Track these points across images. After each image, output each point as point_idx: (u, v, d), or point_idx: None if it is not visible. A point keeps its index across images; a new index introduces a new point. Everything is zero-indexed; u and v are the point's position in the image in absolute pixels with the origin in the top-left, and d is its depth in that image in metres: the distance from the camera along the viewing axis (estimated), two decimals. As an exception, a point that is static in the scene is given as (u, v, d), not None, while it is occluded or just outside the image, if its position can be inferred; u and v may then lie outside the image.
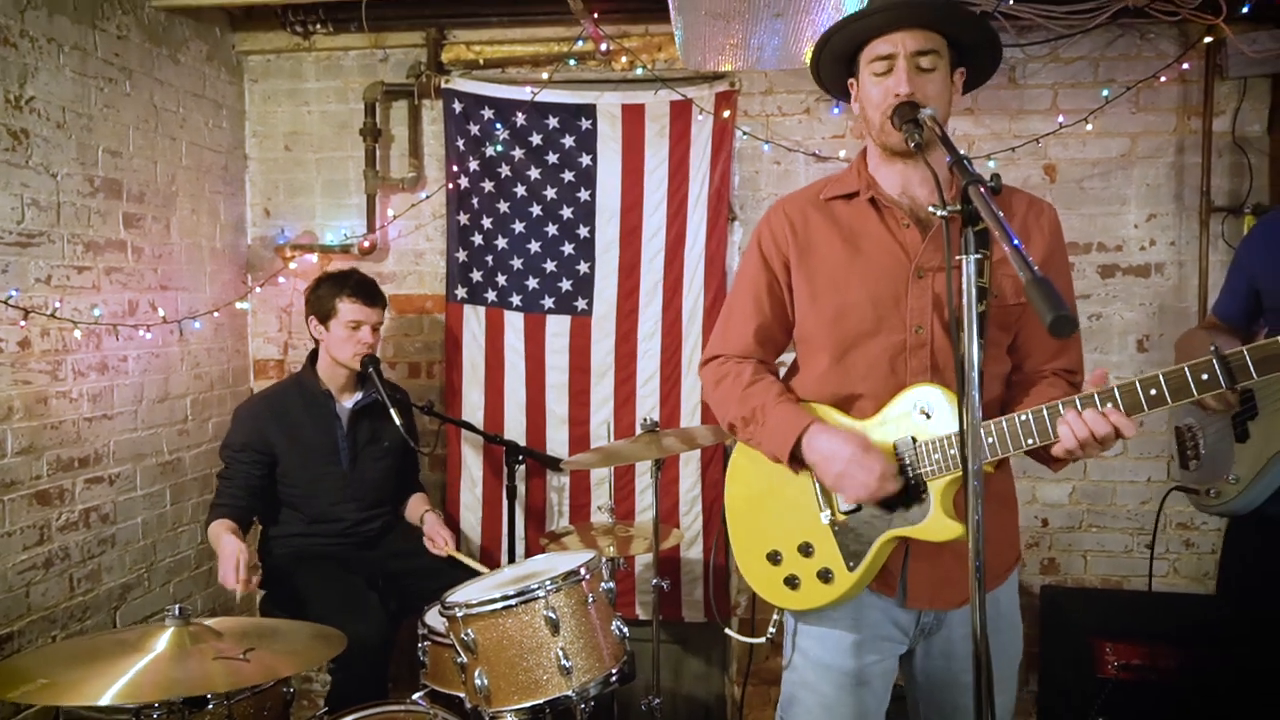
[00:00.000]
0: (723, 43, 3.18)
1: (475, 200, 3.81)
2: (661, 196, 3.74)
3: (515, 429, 3.82)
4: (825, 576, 1.86)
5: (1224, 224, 3.55)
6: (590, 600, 2.40)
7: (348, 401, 3.30)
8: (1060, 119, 3.56)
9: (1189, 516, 3.63)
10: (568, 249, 3.81)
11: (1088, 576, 3.72)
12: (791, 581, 1.91)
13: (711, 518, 3.78)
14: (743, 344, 2.02)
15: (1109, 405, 1.62)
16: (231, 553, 2.85)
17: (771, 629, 2.05)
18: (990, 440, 1.71)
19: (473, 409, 3.84)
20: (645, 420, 3.10)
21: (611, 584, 2.53)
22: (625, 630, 2.48)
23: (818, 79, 2.00)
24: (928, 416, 1.77)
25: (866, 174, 1.92)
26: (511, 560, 3.51)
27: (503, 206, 3.81)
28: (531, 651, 2.29)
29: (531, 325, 3.83)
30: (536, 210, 3.81)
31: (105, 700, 1.82)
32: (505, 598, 2.30)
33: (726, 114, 3.67)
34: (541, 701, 2.29)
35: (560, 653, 2.29)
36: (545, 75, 3.76)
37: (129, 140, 3.29)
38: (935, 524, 1.76)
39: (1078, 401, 1.64)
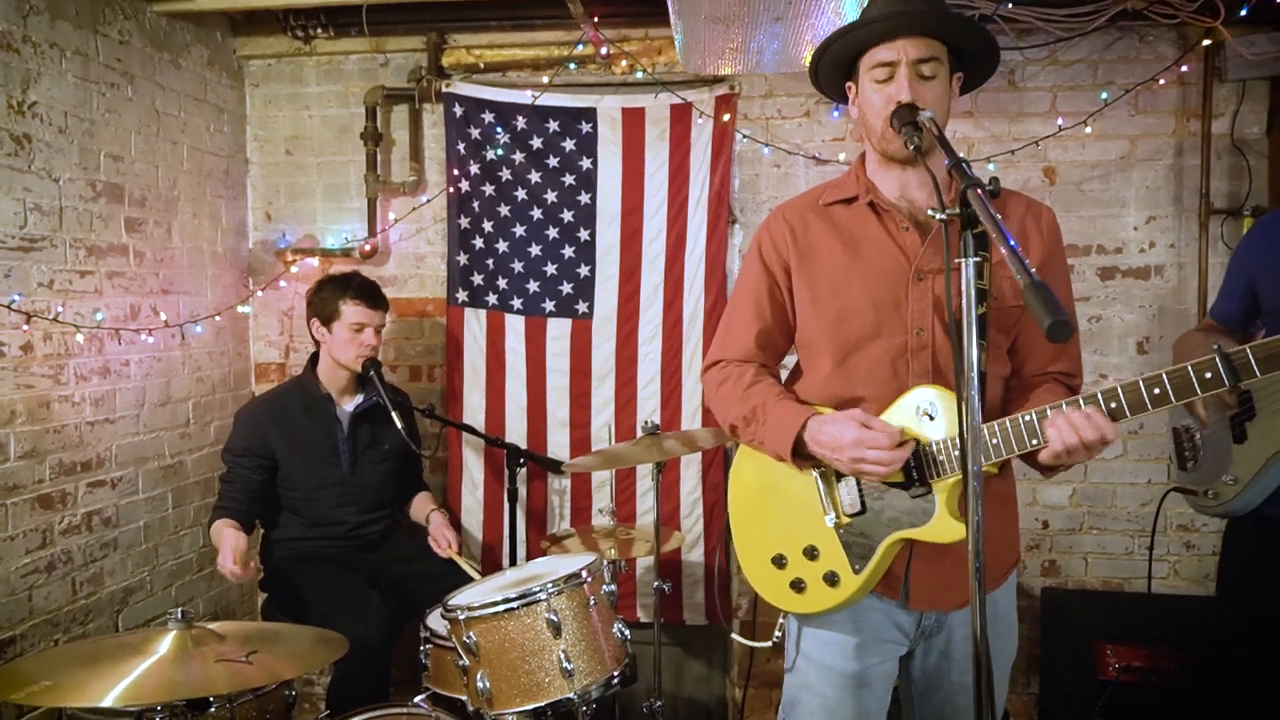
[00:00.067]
0: (722, 46, 3.19)
1: (476, 204, 3.82)
2: (662, 199, 3.75)
3: (516, 432, 3.83)
4: (831, 579, 1.87)
5: (1223, 226, 3.56)
6: (592, 603, 2.40)
7: (348, 405, 3.31)
8: (1059, 122, 3.57)
9: (1189, 518, 3.63)
10: (568, 252, 3.82)
11: (1088, 578, 3.72)
12: (797, 585, 1.92)
13: (713, 520, 3.78)
14: (744, 349, 2.02)
15: (1091, 408, 1.63)
16: (230, 542, 2.87)
17: (778, 633, 2.06)
18: (995, 441, 1.72)
19: (474, 412, 3.85)
20: (646, 423, 3.11)
21: (613, 587, 2.53)
22: (627, 633, 2.49)
23: (815, 82, 2.00)
24: (931, 418, 1.77)
25: (865, 178, 1.93)
26: (513, 563, 3.52)
27: (503, 210, 3.82)
28: (533, 654, 2.30)
29: (532, 328, 3.84)
30: (537, 213, 3.82)
31: (108, 702, 1.82)
32: (507, 600, 2.30)
33: (726, 117, 3.68)
34: (543, 704, 2.29)
35: (562, 655, 2.29)
36: (546, 79, 3.77)
37: (131, 145, 3.30)
38: (940, 525, 1.77)
39: (1081, 401, 1.65)
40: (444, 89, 3.78)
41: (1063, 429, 1.64)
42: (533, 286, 3.83)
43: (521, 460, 3.49)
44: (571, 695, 2.29)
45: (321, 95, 3.99)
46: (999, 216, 1.41)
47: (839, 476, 1.87)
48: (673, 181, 3.73)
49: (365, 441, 3.30)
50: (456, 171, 3.80)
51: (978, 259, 1.44)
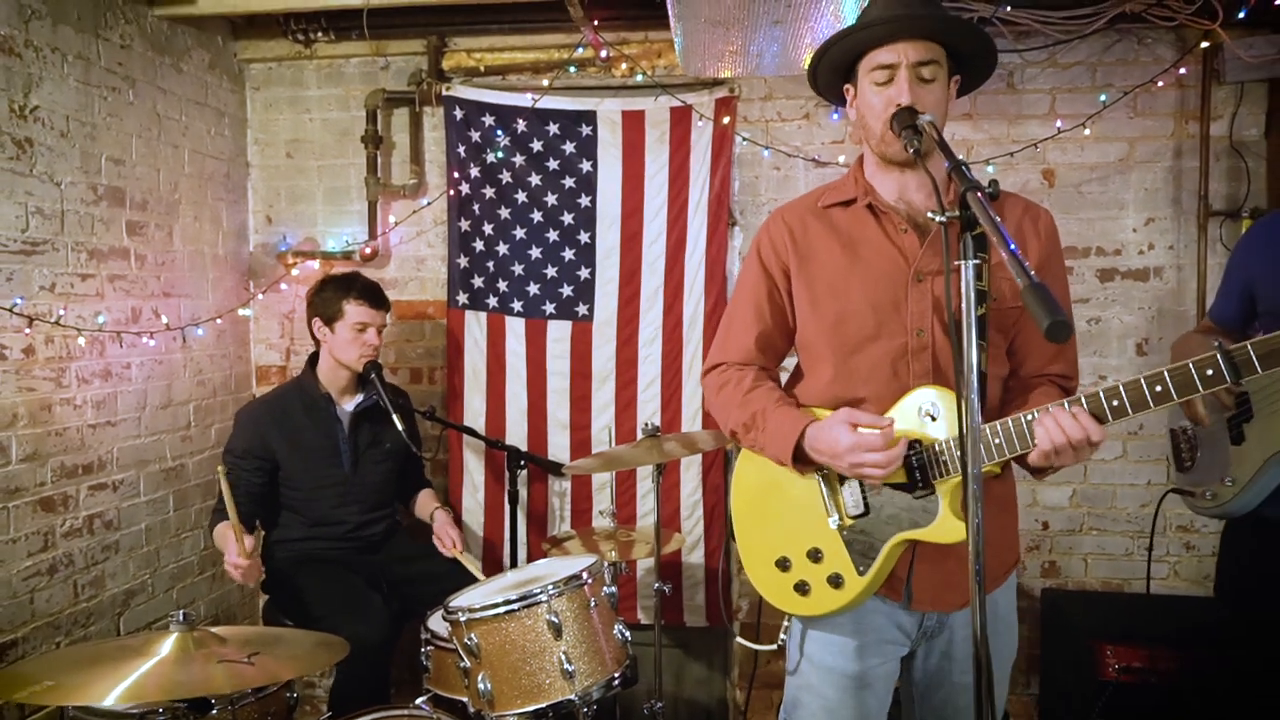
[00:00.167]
0: (722, 49, 3.20)
1: (476, 206, 3.83)
2: (662, 202, 3.76)
3: (517, 434, 3.84)
4: (836, 581, 1.87)
5: (1222, 228, 3.57)
6: (592, 604, 2.41)
7: (348, 404, 3.31)
8: (1058, 124, 3.58)
9: (1189, 519, 3.64)
10: (569, 255, 3.83)
11: (1088, 579, 3.73)
12: (801, 587, 1.92)
13: (713, 522, 3.79)
14: (744, 352, 2.03)
15: (1077, 409, 1.64)
16: (235, 538, 2.85)
17: (783, 636, 2.06)
18: (998, 440, 1.73)
19: (474, 414, 3.85)
20: (646, 425, 3.11)
21: (613, 588, 2.54)
22: (627, 634, 2.49)
23: (814, 85, 2.01)
24: (933, 419, 1.78)
25: (864, 181, 1.94)
26: (513, 565, 3.52)
27: (504, 212, 3.83)
28: (534, 655, 2.30)
29: (533, 331, 3.84)
30: (537, 216, 3.83)
31: (109, 702, 1.83)
32: (508, 602, 2.31)
33: (726, 120, 3.68)
34: (544, 705, 2.29)
35: (563, 657, 2.30)
36: (546, 82, 3.78)
37: (132, 148, 3.31)
38: (944, 525, 1.77)
39: (1083, 400, 1.66)
40: (444, 92, 3.79)
41: (1050, 429, 1.65)
42: (533, 289, 3.84)
43: (522, 462, 3.50)
44: (572, 697, 2.30)
45: (322, 98, 4.00)
46: (998, 219, 1.41)
47: (842, 479, 1.88)
48: (673, 184, 3.74)
49: (366, 441, 3.31)
50: (457, 174, 3.81)
51: (977, 261, 1.45)
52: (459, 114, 3.79)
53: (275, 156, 4.04)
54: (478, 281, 3.85)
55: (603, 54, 3.69)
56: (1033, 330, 1.83)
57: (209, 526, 3.13)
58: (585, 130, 3.78)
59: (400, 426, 3.17)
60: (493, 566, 3.77)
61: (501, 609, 2.31)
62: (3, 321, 2.78)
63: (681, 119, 3.71)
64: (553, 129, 3.79)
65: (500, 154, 3.79)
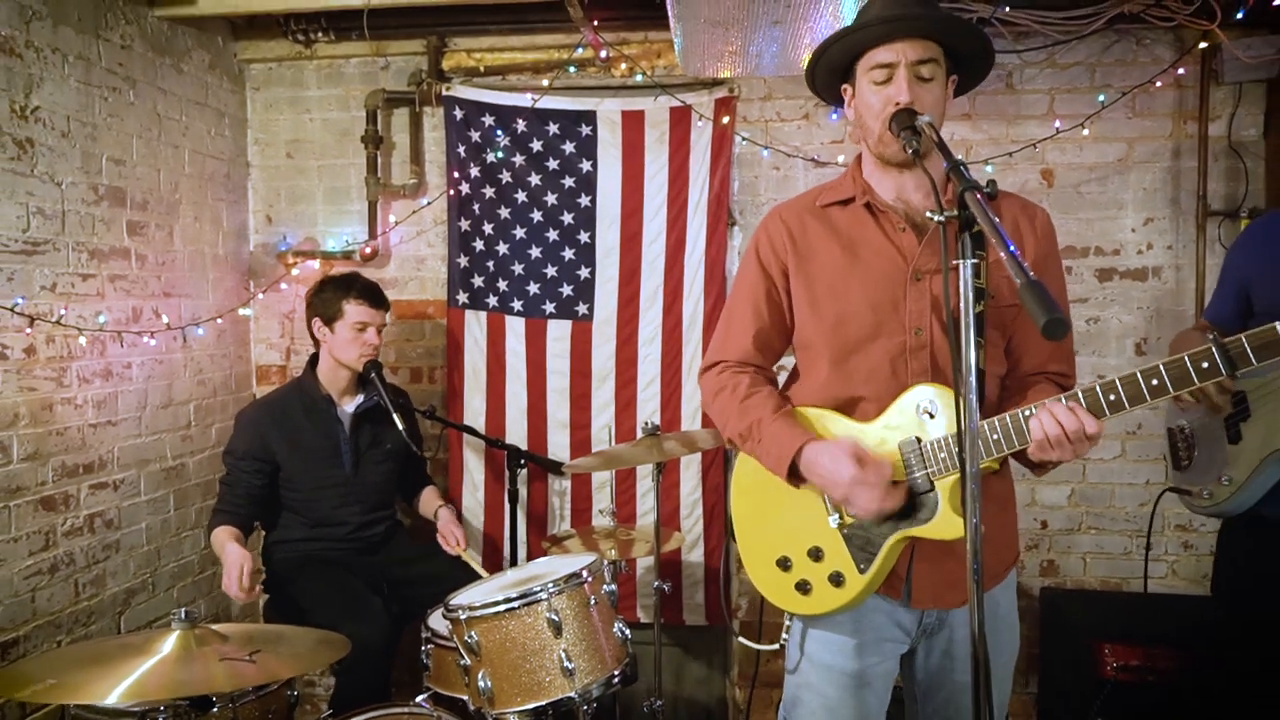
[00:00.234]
0: (722, 49, 3.21)
1: (476, 206, 3.84)
2: (661, 202, 3.76)
3: (517, 433, 3.84)
4: (837, 580, 1.88)
5: (1220, 228, 3.57)
6: (592, 602, 2.42)
7: (349, 405, 3.32)
8: (1057, 124, 3.59)
9: (1187, 519, 3.64)
10: (568, 254, 3.83)
11: (1087, 578, 3.73)
12: (803, 586, 1.93)
13: (713, 521, 3.79)
14: (742, 350, 2.03)
15: (1073, 401, 1.65)
16: (236, 561, 2.87)
17: (785, 636, 2.07)
18: (995, 436, 1.74)
19: (474, 413, 3.86)
20: (646, 424, 3.12)
21: (613, 586, 2.55)
22: (627, 632, 2.50)
23: (812, 85, 2.02)
24: (931, 416, 1.79)
25: (862, 180, 1.95)
26: (514, 563, 3.53)
27: (504, 212, 3.84)
28: (534, 653, 2.31)
29: (533, 330, 3.85)
30: (537, 216, 3.83)
31: (112, 699, 1.84)
32: (508, 600, 2.32)
33: (726, 120, 3.69)
34: (544, 703, 2.31)
35: (563, 654, 2.31)
36: (545, 82, 3.79)
37: (132, 149, 3.32)
38: (943, 522, 1.78)
39: (1080, 395, 1.67)
40: (444, 92, 3.80)
41: (1046, 422, 1.66)
42: (533, 288, 3.85)
43: (522, 461, 3.50)
44: (572, 694, 2.31)
45: (322, 99, 4.00)
46: (997, 220, 1.42)
47: None
48: (672, 184, 3.75)
49: (367, 442, 3.32)
50: (457, 174, 3.81)
51: (975, 259, 1.46)
52: (459, 114, 3.80)
53: (275, 157, 4.05)
54: (478, 281, 3.85)
55: (602, 54, 3.70)
56: (1030, 328, 1.83)
57: (207, 527, 3.13)
58: (585, 130, 3.78)
59: (401, 426, 3.17)
60: (493, 565, 3.77)
61: (502, 607, 2.32)
62: (4, 321, 2.78)
63: (681, 119, 3.72)
64: (552, 129, 3.79)
65: (500, 154, 3.80)
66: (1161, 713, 2.98)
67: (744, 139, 3.74)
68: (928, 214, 1.56)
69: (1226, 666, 2.52)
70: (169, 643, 2.04)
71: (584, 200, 3.81)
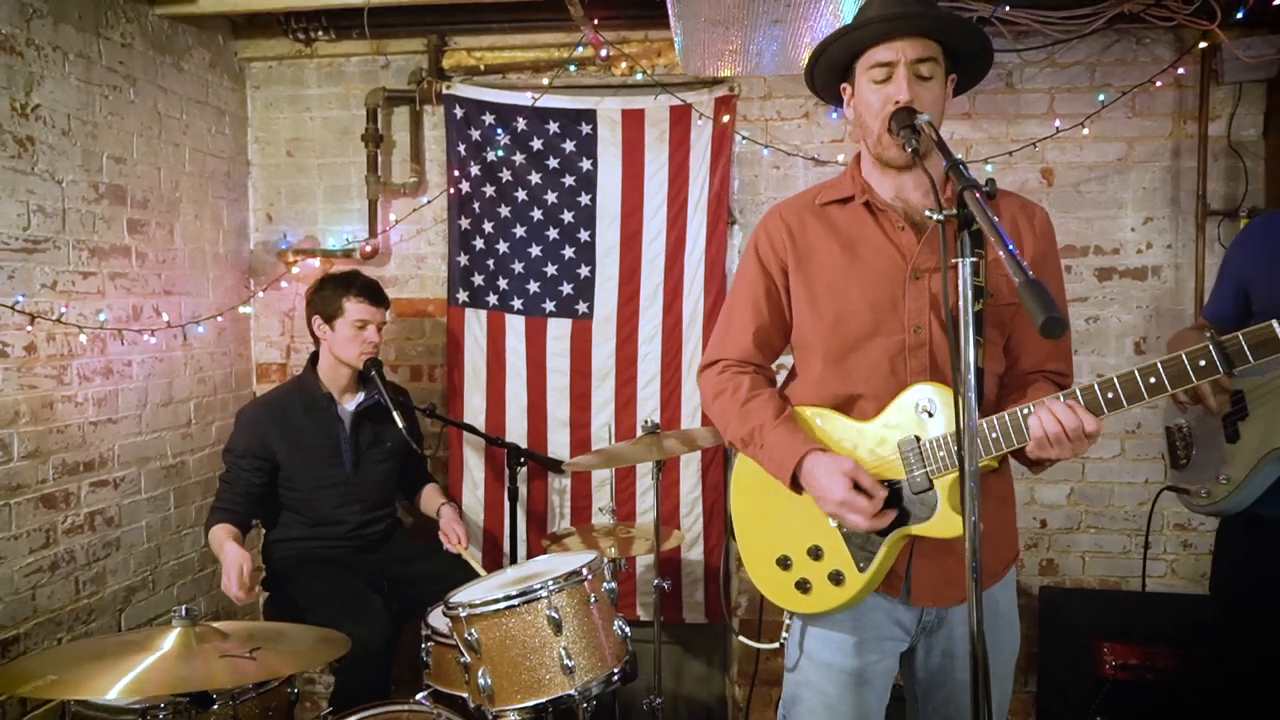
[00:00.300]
0: (722, 48, 3.21)
1: (476, 205, 3.84)
2: (661, 201, 3.77)
3: (517, 431, 3.85)
4: (836, 578, 1.88)
5: (1220, 227, 3.58)
6: (592, 600, 2.42)
7: (349, 404, 3.32)
8: (1057, 123, 3.59)
9: (1187, 518, 3.65)
10: (568, 253, 3.84)
11: (1086, 577, 3.74)
12: (803, 585, 1.93)
13: (712, 519, 3.80)
14: (741, 348, 2.04)
15: (1070, 400, 1.66)
16: (235, 561, 2.87)
17: (785, 633, 2.07)
18: (994, 435, 1.74)
19: (474, 412, 3.86)
20: (646, 422, 3.12)
21: (613, 584, 2.55)
22: (627, 630, 2.50)
23: (811, 84, 2.02)
24: (930, 415, 1.79)
25: (861, 179, 1.95)
26: (513, 561, 3.53)
27: (504, 211, 3.84)
28: (534, 651, 2.32)
29: (533, 329, 3.85)
30: (537, 214, 3.84)
31: (112, 695, 1.84)
32: (508, 598, 2.32)
33: (726, 119, 3.69)
34: (544, 700, 2.31)
35: (563, 652, 2.31)
36: (546, 81, 3.79)
37: (133, 147, 3.32)
38: (943, 520, 1.78)
39: (1079, 393, 1.67)
40: (444, 91, 3.80)
41: (1044, 419, 1.66)
42: (533, 287, 3.85)
43: (522, 459, 3.51)
44: (572, 692, 2.31)
45: (322, 97, 4.00)
46: (996, 219, 1.42)
47: None
48: (672, 183, 3.75)
49: (368, 440, 3.32)
50: (457, 173, 3.82)
51: (974, 258, 1.46)
52: (459, 112, 3.80)
53: (276, 155, 4.05)
54: (478, 279, 3.86)
55: (603, 53, 3.70)
56: (1029, 327, 1.83)
57: (206, 525, 3.13)
58: (585, 129, 3.79)
59: (401, 424, 3.18)
60: (493, 563, 3.78)
61: (502, 604, 2.32)
62: (4, 319, 2.79)
63: (681, 118, 3.72)
64: (553, 127, 3.80)
65: (500, 152, 3.80)
66: (1160, 711, 2.98)
67: (744, 138, 3.75)
68: (927, 212, 1.56)
69: (1224, 665, 2.52)
70: (170, 640, 2.04)
71: (584, 199, 3.82)
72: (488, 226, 3.84)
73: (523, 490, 3.59)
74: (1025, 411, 1.71)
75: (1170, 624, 3.14)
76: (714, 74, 3.58)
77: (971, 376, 1.45)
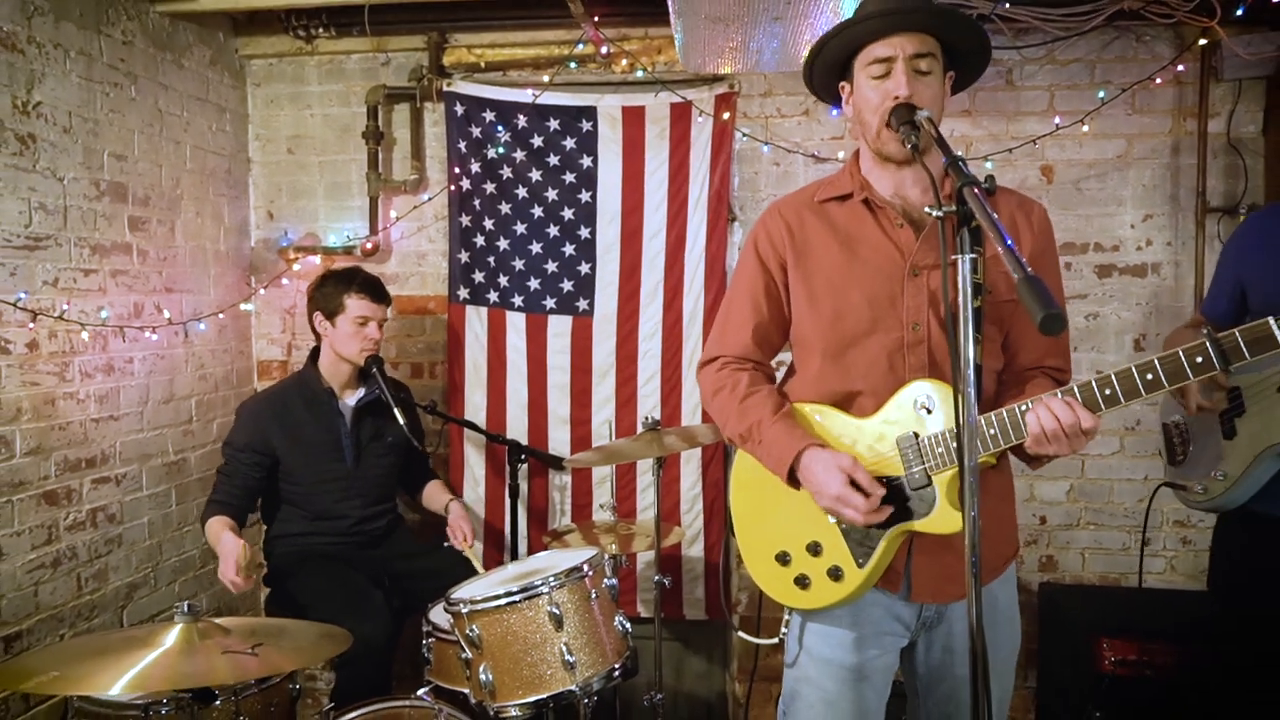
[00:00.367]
0: (722, 46, 3.21)
1: (477, 202, 3.84)
2: (662, 198, 3.77)
3: (517, 428, 3.85)
4: (835, 574, 1.89)
5: (1219, 224, 3.58)
6: (593, 596, 2.43)
7: (350, 399, 3.32)
8: (1057, 120, 3.59)
9: (1186, 514, 3.66)
10: (569, 250, 3.84)
11: (1085, 574, 3.75)
12: (802, 581, 1.94)
13: (713, 516, 3.80)
14: (741, 345, 2.04)
15: (1068, 397, 1.67)
16: (232, 549, 2.87)
17: (784, 629, 2.08)
18: (992, 432, 1.75)
19: (475, 409, 3.87)
20: (646, 419, 3.13)
21: (614, 580, 2.56)
22: (628, 626, 2.51)
23: (809, 83, 2.02)
24: (929, 411, 1.80)
25: (860, 176, 1.95)
26: (514, 558, 3.54)
27: (504, 208, 3.84)
28: (535, 647, 2.32)
29: (533, 326, 3.86)
30: (538, 211, 3.84)
31: (115, 691, 1.84)
32: (509, 594, 2.33)
33: (726, 116, 3.70)
34: (545, 696, 2.32)
35: (564, 648, 2.32)
36: (546, 78, 3.80)
37: (134, 144, 3.32)
38: (941, 516, 1.79)
39: (1076, 389, 1.68)
40: (445, 88, 3.81)
41: (1042, 415, 1.67)
42: (534, 284, 3.85)
43: (523, 456, 3.51)
44: (573, 687, 2.32)
45: (323, 94, 4.01)
46: (995, 215, 1.43)
47: None
48: (673, 180, 3.75)
49: (369, 435, 3.32)
50: (458, 170, 3.82)
51: (973, 255, 1.46)
52: (460, 110, 3.80)
53: (276, 152, 4.05)
54: (479, 276, 3.86)
55: (603, 50, 3.70)
56: (1027, 323, 1.83)
57: (202, 517, 3.13)
58: (586, 126, 3.79)
59: (402, 420, 3.18)
60: (493, 560, 3.79)
61: (503, 600, 2.32)
62: (6, 316, 2.79)
63: (681, 115, 3.73)
64: (553, 124, 3.80)
65: (501, 149, 3.81)
66: (1159, 707, 2.99)
67: (744, 135, 3.75)
68: (926, 209, 1.56)
69: (1222, 661, 2.53)
70: (172, 635, 2.04)
71: (584, 196, 3.82)
72: (488, 223, 3.85)
73: (523, 487, 3.60)
74: (1023, 408, 1.71)
75: (1170, 620, 3.15)
76: (714, 71, 3.58)
77: (971, 373, 1.46)
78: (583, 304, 3.84)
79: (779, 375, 2.10)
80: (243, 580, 2.83)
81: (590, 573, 2.44)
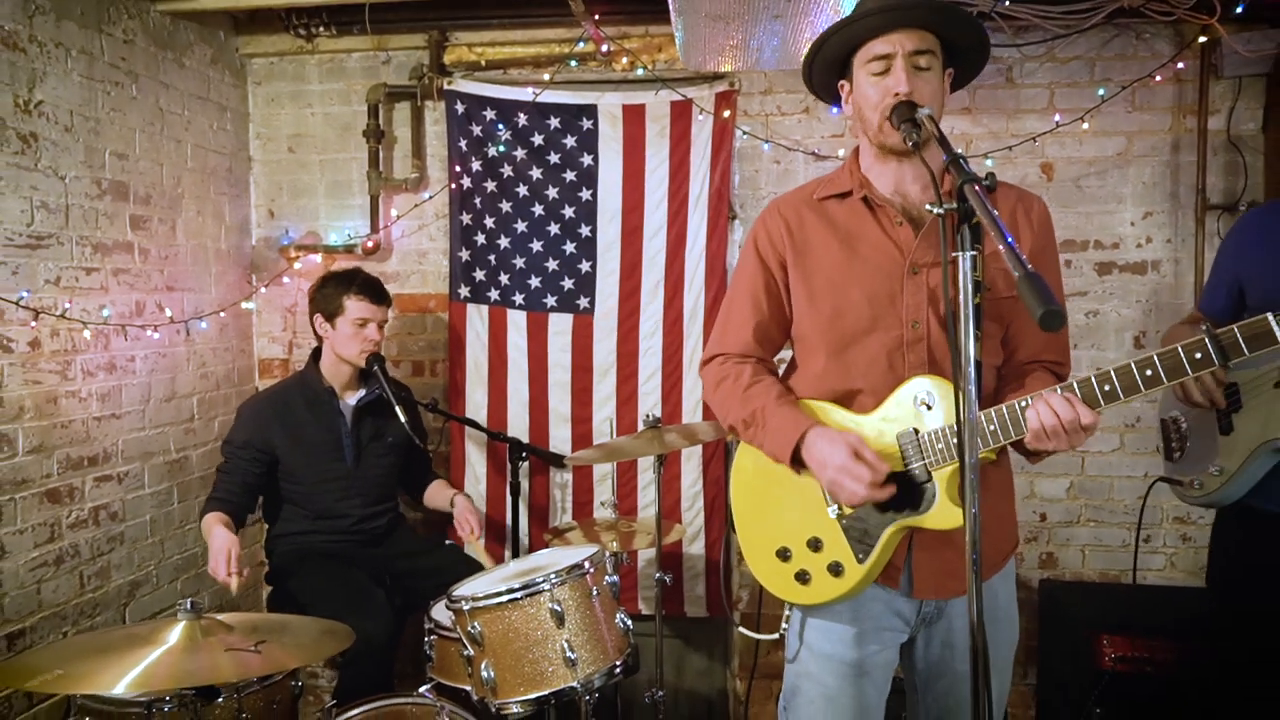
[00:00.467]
0: (722, 44, 3.22)
1: (478, 200, 3.85)
2: (662, 196, 3.78)
3: (518, 426, 3.86)
4: (835, 570, 1.89)
5: (1219, 221, 3.58)
6: (594, 593, 2.43)
7: (351, 399, 3.33)
8: (1057, 118, 3.60)
9: (1185, 511, 3.66)
10: (570, 248, 3.85)
11: (1085, 570, 3.75)
12: (802, 577, 1.94)
13: (713, 513, 3.81)
14: (742, 343, 2.05)
15: (1068, 393, 1.67)
16: (221, 546, 2.88)
17: (785, 625, 2.08)
18: (992, 428, 1.75)
19: (476, 407, 3.88)
20: (647, 417, 3.13)
21: (615, 578, 2.56)
22: (629, 623, 2.51)
23: (809, 82, 2.03)
24: (928, 408, 1.80)
25: (859, 173, 1.96)
26: (515, 556, 3.55)
27: (505, 206, 3.85)
28: (537, 644, 2.33)
29: (534, 324, 3.87)
30: (538, 210, 3.84)
31: (119, 689, 1.84)
32: (511, 591, 2.33)
33: (726, 114, 3.70)
34: (547, 693, 2.32)
35: (565, 645, 2.32)
36: (547, 76, 3.80)
37: (135, 143, 3.33)
38: (941, 512, 1.79)
39: (1075, 385, 1.68)
40: (446, 86, 3.81)
41: (1042, 411, 1.67)
42: (534, 282, 3.86)
43: (524, 454, 3.51)
44: (575, 684, 2.32)
45: (324, 93, 4.01)
46: (996, 213, 1.43)
47: None
48: (673, 178, 3.76)
49: (369, 435, 3.33)
50: (458, 168, 3.82)
51: (973, 252, 1.47)
52: (460, 108, 3.81)
53: (277, 151, 4.06)
54: (479, 275, 3.87)
55: (603, 48, 3.71)
56: (1026, 319, 1.84)
57: (201, 513, 3.13)
58: (586, 124, 3.79)
59: (403, 419, 3.19)
60: (493, 558, 3.78)
61: (505, 597, 2.33)
62: (9, 315, 2.80)
63: (682, 113, 3.73)
64: (554, 123, 3.80)
65: (501, 148, 3.81)
66: (1159, 704, 3.00)
67: (744, 133, 3.75)
68: (927, 206, 1.57)
69: (1220, 657, 2.53)
70: (175, 633, 2.05)
71: (585, 194, 3.82)
72: (489, 222, 3.85)
73: (524, 485, 3.60)
74: (1023, 404, 1.72)
75: (1169, 617, 3.15)
76: (714, 69, 3.58)
77: (971, 370, 1.46)
78: (583, 302, 3.85)
79: (780, 371, 2.11)
80: (232, 580, 2.82)
81: (591, 570, 2.44)
